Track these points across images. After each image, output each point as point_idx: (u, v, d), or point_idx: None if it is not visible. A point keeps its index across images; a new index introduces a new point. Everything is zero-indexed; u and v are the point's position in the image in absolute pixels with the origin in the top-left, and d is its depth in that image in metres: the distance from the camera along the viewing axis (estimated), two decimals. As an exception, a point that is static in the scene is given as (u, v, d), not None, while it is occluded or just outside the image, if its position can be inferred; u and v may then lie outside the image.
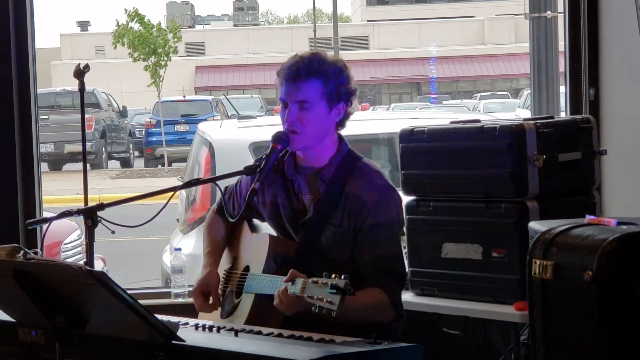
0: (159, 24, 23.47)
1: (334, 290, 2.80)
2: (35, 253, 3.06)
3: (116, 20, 23.32)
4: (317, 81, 3.32)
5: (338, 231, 3.35)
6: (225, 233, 3.63)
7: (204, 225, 3.74)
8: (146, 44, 22.51)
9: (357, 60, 35.74)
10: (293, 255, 3.36)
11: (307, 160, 3.43)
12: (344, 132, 3.48)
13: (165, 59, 22.79)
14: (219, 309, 3.48)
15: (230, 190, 3.67)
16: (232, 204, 3.64)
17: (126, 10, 22.80)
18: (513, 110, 24.42)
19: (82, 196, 3.74)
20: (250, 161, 3.49)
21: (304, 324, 3.08)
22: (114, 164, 24.57)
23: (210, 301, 3.44)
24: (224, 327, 2.88)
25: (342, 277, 2.82)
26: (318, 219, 3.37)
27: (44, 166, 21.01)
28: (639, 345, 2.83)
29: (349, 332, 2.85)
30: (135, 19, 22.69)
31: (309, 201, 3.41)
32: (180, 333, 2.67)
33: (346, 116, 3.42)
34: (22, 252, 2.98)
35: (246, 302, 3.36)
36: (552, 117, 4.18)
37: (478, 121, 4.03)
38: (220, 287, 3.53)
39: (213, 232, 3.65)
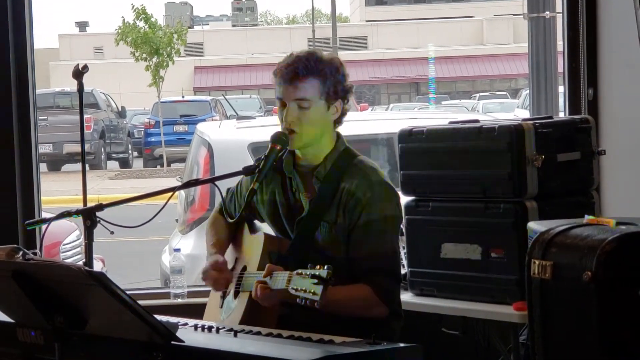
0: (167, 25, 23.44)
1: (316, 281, 2.82)
2: (35, 254, 3.07)
3: (122, 17, 23.32)
4: (315, 80, 3.34)
5: (333, 228, 3.35)
6: (227, 232, 3.64)
7: (206, 224, 3.75)
8: (149, 43, 22.48)
9: (355, 61, 35.73)
10: (287, 252, 3.37)
11: (305, 158, 3.44)
12: (343, 132, 3.49)
13: (168, 60, 22.77)
14: (220, 308, 3.49)
15: (231, 191, 3.68)
16: (234, 204, 3.66)
17: (133, 6, 22.78)
18: (512, 111, 24.44)
19: (81, 197, 3.75)
20: (249, 161, 3.50)
21: (299, 322, 3.09)
22: (113, 165, 24.56)
23: (224, 275, 3.44)
24: (223, 328, 2.88)
25: (325, 267, 2.84)
26: (313, 215, 3.38)
27: (43, 167, 20.99)
28: (639, 345, 2.83)
29: (346, 331, 2.86)
30: (142, 17, 22.68)
31: (305, 198, 3.42)
32: (180, 333, 2.67)
33: (343, 113, 3.44)
34: (21, 252, 2.99)
35: (242, 301, 3.37)
36: (551, 117, 4.19)
37: (477, 121, 4.03)
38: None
39: (216, 229, 3.66)
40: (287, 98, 3.35)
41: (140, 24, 22.78)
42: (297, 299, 2.89)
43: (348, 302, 3.24)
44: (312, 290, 2.84)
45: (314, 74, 3.34)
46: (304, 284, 2.87)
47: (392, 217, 3.37)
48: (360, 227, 3.32)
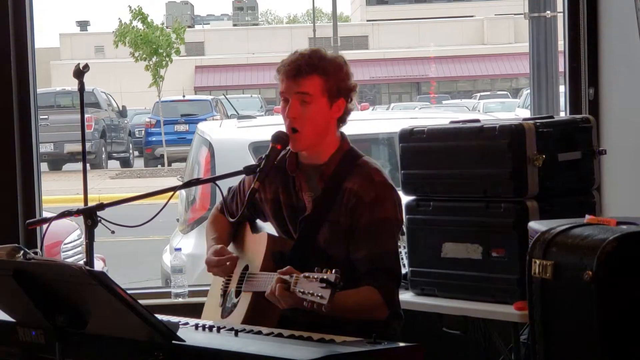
0: (162, 24, 23.43)
1: (324, 285, 2.82)
2: (35, 253, 3.06)
3: (119, 18, 23.31)
4: (318, 77, 3.34)
5: (335, 227, 3.35)
6: (228, 230, 3.64)
7: (206, 223, 3.75)
8: (148, 43, 22.48)
9: (356, 60, 35.67)
10: (290, 252, 3.37)
11: (308, 157, 3.44)
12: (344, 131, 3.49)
13: (167, 59, 22.77)
14: (220, 308, 3.49)
15: (233, 190, 3.68)
16: (235, 203, 3.65)
17: (130, 8, 22.78)
18: (513, 110, 24.43)
19: (82, 196, 3.74)
20: (250, 161, 3.50)
21: (300, 322, 3.09)
22: (114, 164, 24.57)
23: (227, 263, 3.44)
24: (224, 327, 2.88)
25: (333, 271, 2.84)
26: (316, 215, 3.38)
27: (44, 166, 20.99)
28: (639, 345, 2.83)
29: (347, 331, 2.86)
30: (138, 18, 22.67)
31: (308, 198, 3.42)
32: (180, 333, 2.67)
33: (346, 112, 3.43)
34: (22, 252, 2.99)
35: (244, 300, 3.37)
36: (551, 117, 4.18)
37: (478, 121, 4.03)
38: (221, 287, 3.55)
39: (216, 227, 3.67)
40: (289, 93, 3.35)
41: (138, 24, 22.77)
42: (304, 302, 2.89)
43: (357, 307, 3.23)
44: (319, 294, 2.84)
45: (316, 71, 3.34)
46: (312, 287, 2.87)
47: (394, 219, 3.37)
48: (363, 227, 3.32)
